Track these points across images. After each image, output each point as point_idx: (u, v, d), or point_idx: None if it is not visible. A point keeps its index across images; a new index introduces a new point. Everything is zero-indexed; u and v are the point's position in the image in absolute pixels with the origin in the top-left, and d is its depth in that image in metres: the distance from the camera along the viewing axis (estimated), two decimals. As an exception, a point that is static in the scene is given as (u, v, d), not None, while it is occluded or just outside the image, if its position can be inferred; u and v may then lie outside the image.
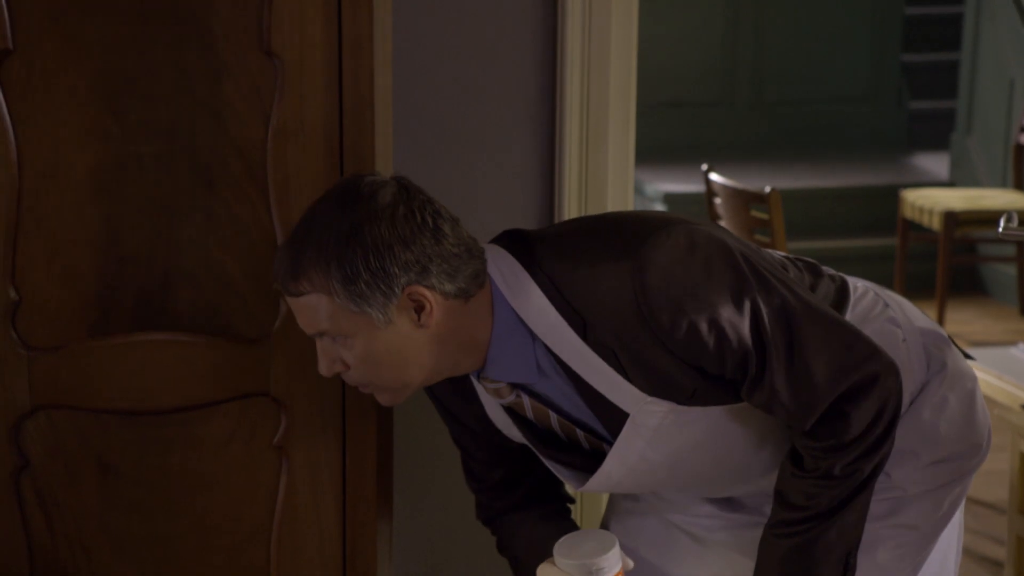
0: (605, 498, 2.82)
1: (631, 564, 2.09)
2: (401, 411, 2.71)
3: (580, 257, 2.06)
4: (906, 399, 2.21)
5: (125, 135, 2.27)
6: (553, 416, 2.15)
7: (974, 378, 2.30)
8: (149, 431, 2.34)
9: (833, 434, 2.06)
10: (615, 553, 2.04)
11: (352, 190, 2.05)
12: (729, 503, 2.33)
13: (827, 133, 8.16)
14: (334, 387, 2.35)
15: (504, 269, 2.08)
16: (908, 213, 6.59)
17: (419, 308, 2.04)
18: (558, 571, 2.05)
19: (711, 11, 7.94)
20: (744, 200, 5.03)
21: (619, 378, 2.06)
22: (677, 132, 7.93)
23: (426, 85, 2.74)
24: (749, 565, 2.26)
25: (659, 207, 7.10)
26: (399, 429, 2.73)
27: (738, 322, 2.01)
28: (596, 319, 2.04)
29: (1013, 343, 5.25)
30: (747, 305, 2.02)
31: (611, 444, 2.14)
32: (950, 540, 2.32)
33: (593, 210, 2.77)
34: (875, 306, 2.25)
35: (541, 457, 2.22)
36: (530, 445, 2.21)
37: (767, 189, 4.94)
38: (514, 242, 2.11)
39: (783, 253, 2.29)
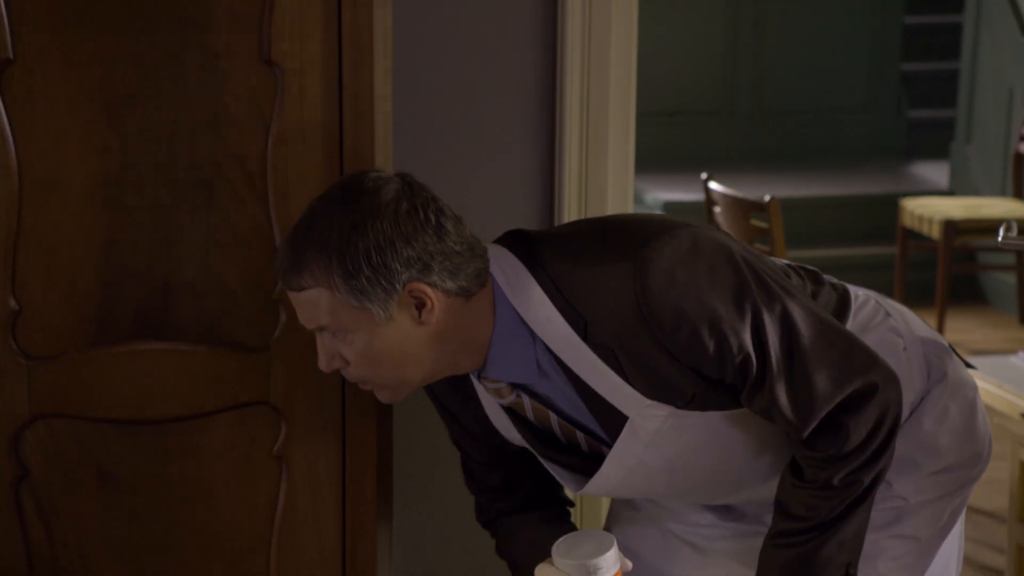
0: (604, 502, 2.82)
1: (630, 565, 2.09)
2: (401, 414, 2.70)
3: (582, 258, 2.06)
4: (906, 409, 2.21)
5: (125, 145, 2.27)
6: (553, 417, 2.15)
7: (975, 387, 2.30)
8: (149, 440, 2.34)
9: (832, 445, 2.06)
10: (613, 553, 2.04)
11: (356, 186, 2.05)
12: (729, 512, 2.33)
13: (826, 142, 8.16)
14: (334, 396, 2.35)
15: (506, 268, 2.08)
16: (908, 222, 6.59)
17: (420, 305, 2.04)
18: (556, 571, 2.05)
19: (711, 20, 7.94)
20: (744, 209, 5.03)
21: (619, 380, 2.06)
22: (677, 141, 7.94)
23: (426, 94, 2.74)
24: (749, 575, 2.26)
25: (659, 216, 7.10)
26: (399, 432, 2.73)
27: (739, 327, 2.01)
28: (597, 320, 2.04)
29: (1013, 352, 5.26)
30: (748, 310, 2.02)
31: (610, 447, 2.14)
32: (951, 549, 2.31)
33: (593, 219, 2.77)
34: (876, 315, 2.25)
35: (540, 459, 2.22)
36: (529, 447, 2.21)
37: (767, 198, 4.95)
38: (517, 242, 2.11)
39: (786, 261, 2.29)
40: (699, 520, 2.33)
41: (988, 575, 4.19)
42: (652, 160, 7.40)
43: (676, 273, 2.01)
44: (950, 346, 2.33)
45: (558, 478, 2.23)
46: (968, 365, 2.34)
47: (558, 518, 2.33)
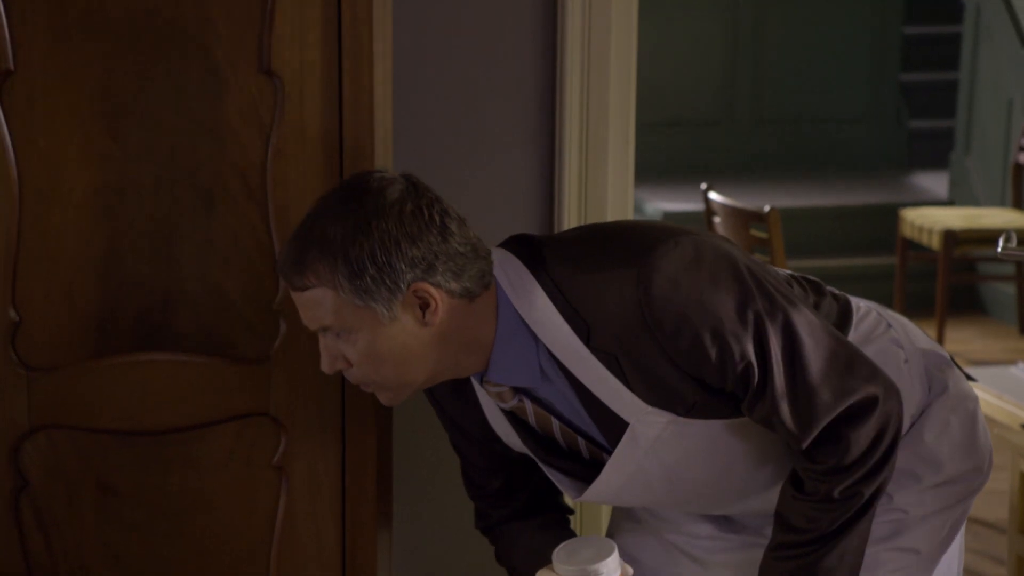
0: (604, 511, 2.82)
1: (631, 571, 2.09)
2: (400, 423, 2.70)
3: (586, 262, 2.06)
4: (907, 421, 2.21)
5: (125, 156, 2.27)
6: (555, 423, 2.15)
7: (975, 400, 2.30)
8: (149, 451, 2.34)
9: (833, 457, 2.06)
10: (614, 559, 2.03)
11: (360, 186, 2.05)
12: (730, 524, 2.32)
13: (826, 152, 8.17)
14: (333, 406, 2.35)
15: (510, 272, 2.08)
16: (907, 232, 6.59)
17: (424, 305, 2.03)
18: None
19: (711, 30, 7.95)
20: (743, 219, 5.04)
21: (620, 386, 2.06)
22: (676, 150, 7.94)
23: (425, 103, 2.74)
24: (749, 586, 2.26)
25: (658, 226, 7.09)
26: (398, 442, 2.73)
27: (742, 334, 2.01)
28: (600, 324, 2.04)
29: (1013, 362, 5.25)
30: (751, 318, 2.02)
31: (611, 454, 2.14)
32: (951, 562, 2.31)
33: (593, 230, 2.77)
34: (877, 326, 2.25)
35: (540, 465, 2.22)
36: (530, 453, 2.21)
37: (766, 208, 4.95)
38: (521, 246, 2.12)
39: (788, 271, 2.29)
40: (699, 532, 2.32)
41: (988, 586, 4.19)
42: (652, 169, 7.40)
43: (680, 280, 2.01)
44: (951, 358, 2.32)
45: (558, 485, 2.23)
46: (969, 378, 2.34)
47: (557, 525, 2.33)
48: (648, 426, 2.08)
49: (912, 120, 8.29)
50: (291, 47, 2.25)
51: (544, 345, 2.08)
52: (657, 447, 2.11)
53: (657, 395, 2.06)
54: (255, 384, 2.33)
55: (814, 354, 2.05)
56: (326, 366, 2.09)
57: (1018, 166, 6.72)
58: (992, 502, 4.53)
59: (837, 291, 2.29)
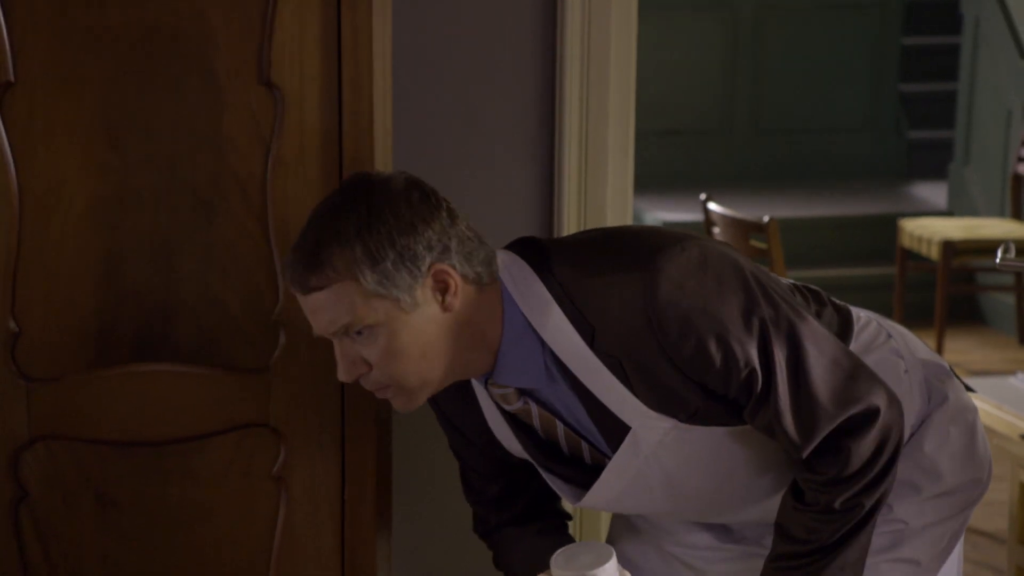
0: (603, 520, 2.81)
1: None
2: (400, 432, 2.70)
3: (593, 265, 2.06)
4: (906, 432, 2.21)
5: (125, 168, 2.27)
6: (560, 427, 2.15)
7: (975, 411, 2.30)
8: (148, 462, 2.33)
9: (834, 468, 2.06)
10: (612, 565, 2.03)
11: (362, 182, 2.05)
12: (728, 534, 2.32)
13: (825, 162, 8.17)
14: (333, 417, 2.35)
15: (515, 273, 2.08)
16: (907, 242, 6.60)
17: (444, 289, 2.03)
18: None
19: (710, 40, 7.96)
20: (743, 229, 5.04)
21: (623, 389, 2.06)
22: (676, 161, 7.95)
23: (424, 114, 2.74)
24: (748, 597, 2.26)
25: (658, 236, 7.09)
26: (397, 450, 2.72)
27: (746, 341, 2.02)
28: (605, 328, 2.04)
29: (1012, 372, 5.25)
30: (756, 325, 2.03)
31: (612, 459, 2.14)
32: (950, 572, 2.31)
33: (592, 241, 2.77)
34: (878, 336, 2.26)
35: (540, 470, 2.22)
36: (529, 458, 2.21)
37: (765, 218, 4.95)
38: (526, 248, 2.12)
39: (790, 280, 2.29)
40: (697, 542, 2.32)
41: (988, 597, 4.18)
42: (651, 180, 7.40)
43: (686, 284, 2.01)
44: (950, 368, 2.32)
45: (557, 490, 2.23)
46: (968, 388, 2.34)
47: (556, 531, 2.33)
48: (650, 431, 2.08)
49: (911, 131, 8.30)
50: (291, 58, 2.26)
51: (548, 347, 2.08)
52: (658, 452, 2.11)
53: (660, 400, 2.06)
54: (254, 395, 2.33)
55: (818, 363, 2.05)
56: (344, 374, 2.06)
57: (1017, 176, 6.73)
58: (991, 513, 4.53)
59: (838, 301, 2.29)
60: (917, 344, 2.31)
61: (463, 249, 2.03)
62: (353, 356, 2.05)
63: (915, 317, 6.65)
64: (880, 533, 2.19)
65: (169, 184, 2.28)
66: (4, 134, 2.25)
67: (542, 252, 2.10)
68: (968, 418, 2.27)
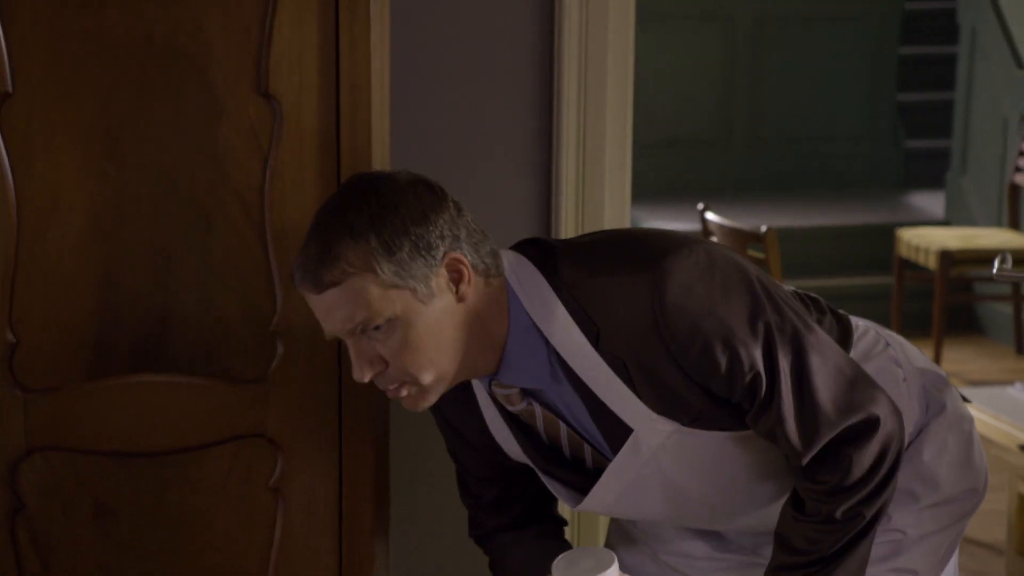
0: (601, 522, 2.81)
1: None
2: (397, 443, 2.70)
3: (599, 266, 2.06)
4: (905, 440, 2.21)
5: (123, 178, 2.27)
6: (563, 429, 2.15)
7: (971, 421, 2.30)
8: (146, 472, 2.33)
9: (834, 477, 2.06)
10: (614, 570, 2.03)
11: (366, 180, 2.05)
12: (725, 544, 2.32)
13: (823, 172, 8.18)
14: (330, 428, 2.35)
15: (521, 273, 2.08)
16: (904, 252, 6.60)
17: (457, 279, 2.03)
18: None
19: (708, 50, 7.97)
20: (740, 239, 5.04)
21: (627, 391, 2.06)
22: (674, 170, 7.95)
23: (421, 124, 2.74)
24: (746, 608, 2.26)
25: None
26: (395, 461, 2.72)
27: (751, 345, 2.02)
28: (610, 329, 2.03)
29: (1010, 382, 5.25)
30: (761, 329, 2.03)
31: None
32: (947, 582, 2.31)
33: (590, 251, 2.78)
34: (876, 345, 2.26)
35: (539, 473, 2.22)
36: (529, 461, 2.21)
37: (763, 228, 4.95)
38: (532, 249, 2.12)
39: (791, 287, 2.30)
40: (694, 551, 2.32)
41: (986, 606, 4.18)
42: (649, 189, 7.41)
43: (694, 287, 2.01)
44: (947, 378, 2.33)
45: (555, 494, 2.23)
46: (964, 399, 2.34)
47: (553, 536, 2.32)
48: (652, 434, 2.08)
49: (908, 140, 8.31)
50: (289, 70, 2.26)
51: (553, 347, 2.08)
52: (659, 455, 2.10)
53: (664, 402, 2.06)
54: (252, 405, 2.33)
55: (821, 370, 2.05)
56: (359, 373, 2.04)
57: (1014, 186, 6.73)
58: (989, 523, 4.52)
59: (837, 309, 2.29)
60: (915, 353, 2.31)
61: (471, 239, 2.04)
62: (369, 354, 2.04)
63: (912, 327, 6.65)
64: (879, 543, 2.19)
65: (167, 194, 2.28)
66: (2, 144, 2.25)
67: (548, 252, 2.10)
68: (965, 427, 2.27)
